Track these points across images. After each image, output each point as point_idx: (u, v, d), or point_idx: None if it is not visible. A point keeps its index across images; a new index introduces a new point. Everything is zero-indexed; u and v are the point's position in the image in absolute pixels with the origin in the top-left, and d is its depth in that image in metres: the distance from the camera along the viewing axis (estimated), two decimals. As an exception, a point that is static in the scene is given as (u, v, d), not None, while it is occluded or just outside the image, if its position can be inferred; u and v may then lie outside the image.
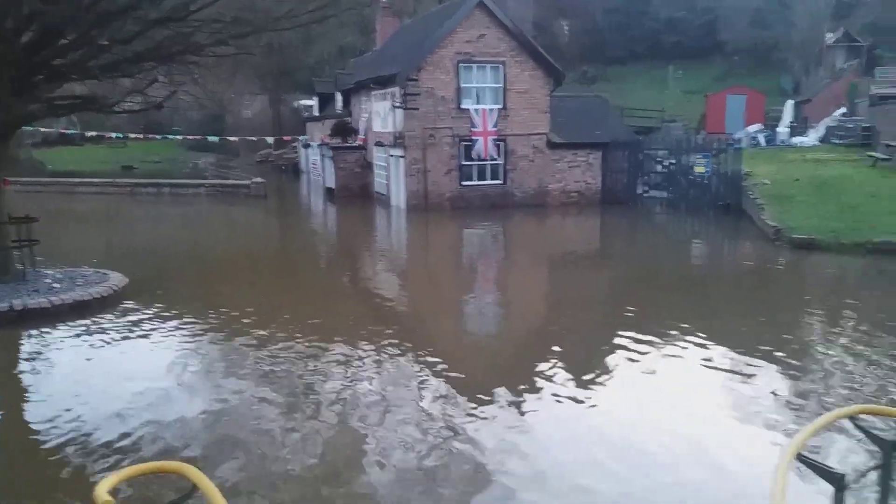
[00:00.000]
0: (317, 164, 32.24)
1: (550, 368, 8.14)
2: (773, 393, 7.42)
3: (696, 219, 20.69)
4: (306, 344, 8.95)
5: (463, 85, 22.42)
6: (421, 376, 7.87)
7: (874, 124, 24.52)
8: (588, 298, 12.23)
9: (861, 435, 4.22)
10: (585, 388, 7.59)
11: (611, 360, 8.58)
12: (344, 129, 28.97)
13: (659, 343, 9.07)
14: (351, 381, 7.71)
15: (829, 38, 38.77)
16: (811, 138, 28.11)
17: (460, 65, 22.26)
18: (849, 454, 5.82)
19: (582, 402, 7.23)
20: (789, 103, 34.29)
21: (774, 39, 41.76)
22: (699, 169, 21.71)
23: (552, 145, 23.56)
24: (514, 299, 12.46)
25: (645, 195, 23.32)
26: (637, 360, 8.49)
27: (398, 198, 23.53)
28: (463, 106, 22.40)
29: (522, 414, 6.90)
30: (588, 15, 48.75)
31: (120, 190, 29.94)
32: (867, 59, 35.85)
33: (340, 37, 39.16)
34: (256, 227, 22.48)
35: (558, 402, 7.20)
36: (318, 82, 41.07)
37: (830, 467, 3.47)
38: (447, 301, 11.99)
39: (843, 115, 28.80)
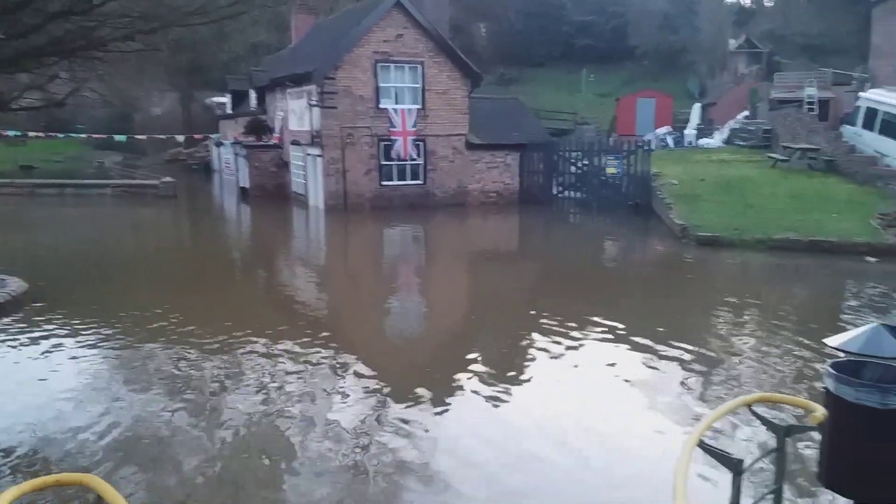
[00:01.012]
0: (230, 163, 31.44)
1: (469, 367, 8.22)
2: (682, 383, 7.73)
3: (609, 218, 21.31)
4: (217, 349, 8.72)
5: (381, 84, 22.34)
6: (339, 379, 7.80)
7: (774, 127, 25.84)
8: (507, 296, 12.42)
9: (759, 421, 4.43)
10: (503, 385, 7.69)
11: (528, 357, 8.74)
12: (259, 127, 28.37)
13: (574, 338, 9.30)
14: (266, 386, 7.55)
15: (733, 44, 40.54)
16: (716, 140, 29.33)
17: (378, 64, 22.17)
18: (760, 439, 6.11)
19: (500, 400, 7.33)
20: (696, 106, 35.71)
21: (681, 44, 43.34)
22: (611, 170, 22.39)
23: (471, 146, 23.79)
24: (434, 299, 12.51)
25: (560, 195, 23.85)
26: (554, 356, 8.69)
27: (316, 198, 23.23)
28: (382, 105, 22.32)
29: (442, 413, 6.93)
30: (504, 18, 49.37)
31: (19, 191, 28.30)
32: (767, 64, 37.72)
33: (254, 34, 38.27)
34: (165, 228, 21.74)
35: (477, 400, 7.27)
36: (231, 79, 40.00)
37: (729, 453, 3.63)
38: (367, 302, 11.93)
39: (746, 118, 30.18)
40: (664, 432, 6.50)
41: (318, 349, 8.75)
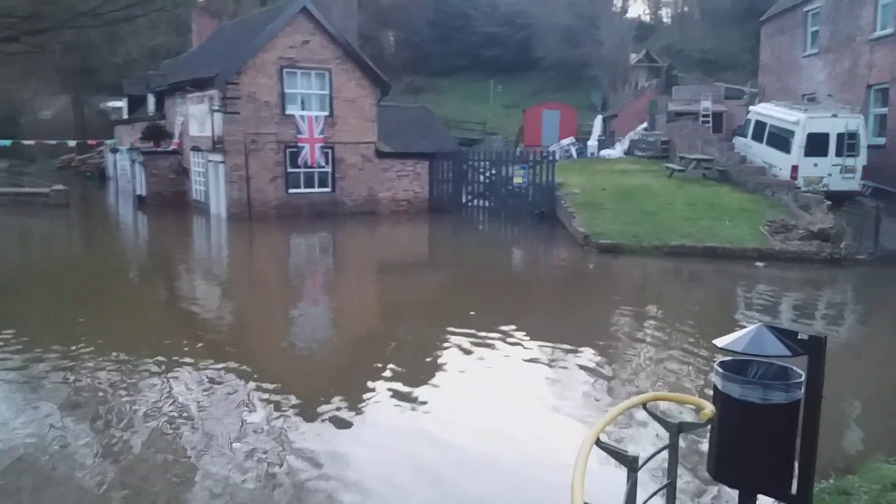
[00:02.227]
0: (126, 170, 30.15)
1: (378, 377, 8.13)
2: (587, 385, 7.93)
3: (516, 226, 21.69)
4: (114, 366, 8.28)
5: (287, 90, 21.98)
6: (245, 393, 7.54)
7: (671, 138, 27.02)
8: (416, 305, 12.38)
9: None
10: (413, 395, 7.64)
11: (438, 364, 8.73)
12: (157, 133, 27.33)
13: (482, 344, 9.36)
14: (167, 403, 7.21)
15: (633, 58, 42.28)
16: (617, 151, 30.42)
17: (284, 70, 21.81)
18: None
19: (410, 409, 7.27)
20: (598, 118, 36.97)
21: (585, 57, 44.79)
22: (517, 179, 22.83)
23: (381, 154, 23.72)
24: (342, 310, 12.33)
25: (469, 204, 24.10)
26: (463, 364, 8.72)
27: (218, 206, 22.57)
28: (288, 112, 21.96)
29: (351, 425, 6.81)
30: (412, 27, 49.62)
31: None
32: (665, 78, 39.49)
33: (152, 37, 36.91)
34: (56, 239, 20.56)
35: (386, 411, 7.19)
36: (127, 83, 38.35)
37: (625, 451, 3.72)
38: (272, 314, 11.62)
39: (645, 129, 31.48)
40: (572, 434, 6.61)
41: (220, 364, 8.44)
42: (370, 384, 7.86)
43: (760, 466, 4.33)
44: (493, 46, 48.91)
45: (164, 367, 8.22)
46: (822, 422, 4.46)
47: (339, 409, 7.08)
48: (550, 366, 8.60)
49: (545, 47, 46.26)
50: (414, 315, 11.57)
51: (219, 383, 7.75)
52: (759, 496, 4.57)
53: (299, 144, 22.02)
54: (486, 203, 23.80)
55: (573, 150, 31.66)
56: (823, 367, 4.25)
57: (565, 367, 8.55)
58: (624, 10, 53.41)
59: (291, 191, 22.45)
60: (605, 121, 36.91)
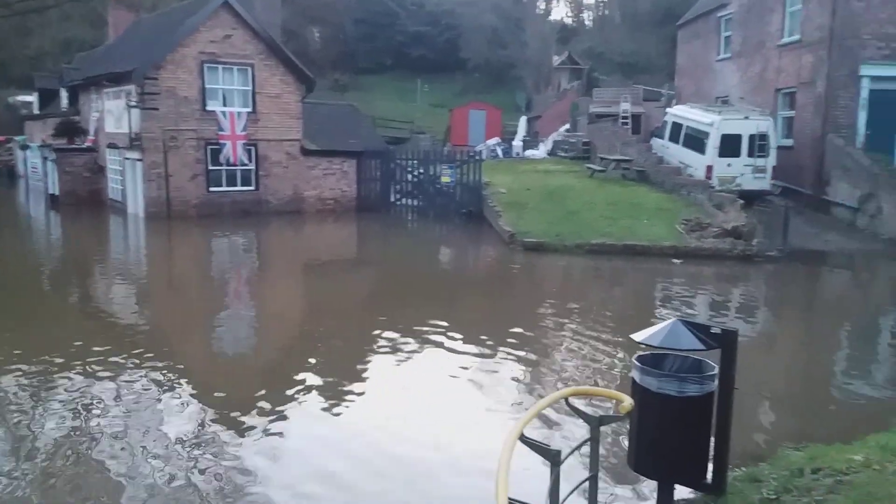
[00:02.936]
0: (37, 167, 28.77)
1: (305, 379, 8.04)
2: (513, 380, 8.06)
3: (444, 225, 21.79)
4: (24, 374, 7.90)
5: (208, 86, 21.44)
6: (168, 400, 7.30)
7: (592, 139, 27.66)
8: (345, 305, 12.27)
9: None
10: (342, 396, 7.58)
11: (365, 366, 8.69)
12: (71, 129, 26.18)
13: (411, 343, 9.38)
14: (87, 413, 6.92)
15: (556, 60, 43.05)
16: (541, 151, 30.91)
17: (205, 65, 21.26)
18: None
19: (339, 411, 7.21)
20: (523, 119, 37.50)
21: (510, 59, 45.36)
22: (445, 178, 22.93)
23: (306, 152, 23.41)
24: (267, 311, 12.11)
25: (397, 203, 24.06)
26: (392, 362, 8.72)
27: (136, 205, 21.81)
28: (209, 108, 21.41)
29: (275, 429, 6.70)
30: (338, 24, 49.14)
31: None
32: (587, 80, 40.38)
33: (65, 28, 35.36)
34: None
35: (314, 414, 7.10)
36: (38, 77, 36.55)
37: (547, 445, 3.80)
38: (193, 317, 11.30)
39: (567, 130, 32.11)
40: (499, 430, 6.69)
41: (140, 370, 8.17)
42: (295, 387, 7.76)
43: (677, 457, 4.50)
44: (419, 46, 48.94)
45: (77, 374, 7.89)
46: (736, 412, 4.67)
47: (263, 413, 6.95)
48: (478, 363, 8.68)
49: (471, 48, 46.60)
50: (341, 316, 11.47)
51: (135, 390, 7.50)
52: (677, 486, 4.76)
53: (221, 141, 21.50)
54: (415, 202, 23.81)
55: (499, 150, 31.99)
56: (735, 359, 4.46)
57: (492, 364, 8.65)
58: (547, 12, 54.39)
59: (213, 189, 21.90)
60: (529, 121, 37.46)
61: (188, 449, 6.08)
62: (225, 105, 21.72)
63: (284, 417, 6.92)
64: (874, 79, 19.20)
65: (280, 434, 6.54)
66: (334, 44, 48.89)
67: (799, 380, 8.84)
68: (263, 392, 7.57)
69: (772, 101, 22.36)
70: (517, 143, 33.16)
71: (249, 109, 22.06)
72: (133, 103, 20.90)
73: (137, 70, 20.51)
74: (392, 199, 24.09)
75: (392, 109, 40.94)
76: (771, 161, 19.87)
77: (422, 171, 23.63)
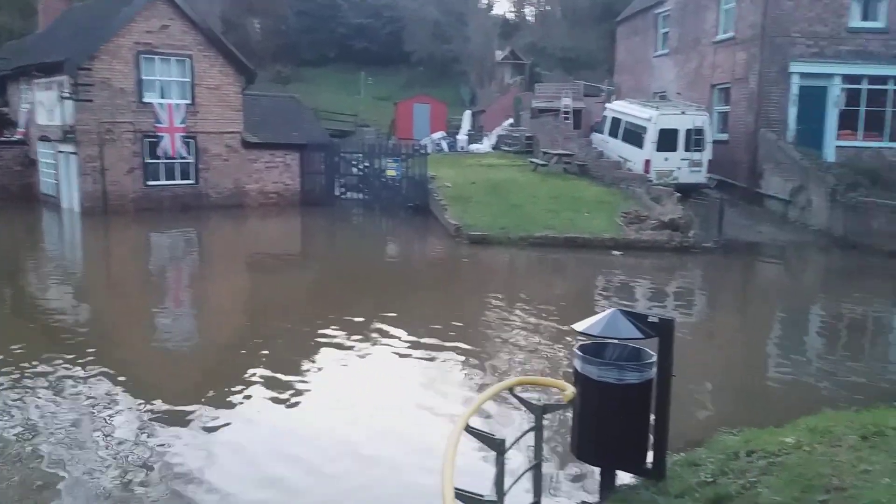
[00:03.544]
0: (-35, 160, 27.47)
1: (252, 378, 7.92)
2: (461, 371, 8.14)
3: (390, 219, 21.75)
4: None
5: (145, 77, 20.87)
6: (109, 400, 7.11)
7: (535, 134, 27.97)
8: (290, 301, 12.16)
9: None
10: (289, 393, 7.51)
11: (310, 362, 8.65)
12: None
13: (359, 337, 9.36)
14: (18, 416, 6.70)
15: (499, 54, 43.28)
16: (485, 146, 31.10)
17: (141, 56, 20.68)
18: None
19: (286, 409, 7.15)
20: (467, 113, 37.62)
21: (453, 53, 45.39)
22: (391, 172, 22.87)
23: (248, 145, 23.01)
24: (209, 308, 11.90)
25: (342, 196, 23.88)
26: (339, 359, 8.68)
27: (70, 200, 21.09)
28: (146, 100, 20.85)
29: (218, 429, 6.61)
30: (279, 15, 48.34)
31: None
32: (530, 75, 40.75)
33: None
34: None
35: (260, 412, 7.03)
36: (-37, 66, 34.98)
37: (492, 435, 3.88)
38: (132, 316, 11.01)
39: (511, 125, 32.37)
40: (446, 422, 6.75)
41: (76, 369, 7.94)
42: (239, 385, 7.67)
43: (618, 443, 4.64)
44: (362, 38, 48.50)
45: (15, 376, 7.62)
46: (675, 399, 4.82)
47: (205, 412, 6.85)
48: (425, 356, 8.74)
49: (415, 41, 46.44)
50: (286, 311, 11.36)
51: (71, 390, 7.30)
52: (619, 472, 4.90)
53: (159, 134, 20.96)
54: (360, 196, 23.66)
55: (444, 144, 32.05)
56: (672, 347, 4.60)
57: (439, 356, 8.71)
58: (490, 7, 54.58)
59: (151, 183, 21.35)
60: (473, 116, 37.63)
61: (127, 449, 5.96)
62: (163, 97, 21.18)
63: (228, 416, 6.83)
64: (803, 75, 19.93)
65: (223, 432, 6.47)
66: (276, 35, 48.06)
67: (735, 366, 9.16)
68: (205, 391, 7.48)
69: (707, 97, 22.99)
70: (462, 137, 33.27)
71: (188, 101, 21.56)
72: (66, 94, 20.20)
73: (70, 60, 19.81)
74: (337, 192, 23.89)
75: (336, 102, 40.51)
76: (706, 155, 20.45)
77: (367, 164, 23.51)
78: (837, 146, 19.91)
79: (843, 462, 4.45)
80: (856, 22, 19.85)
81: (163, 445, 6.05)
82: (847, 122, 20.09)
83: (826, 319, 11.93)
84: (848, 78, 19.89)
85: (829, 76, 19.86)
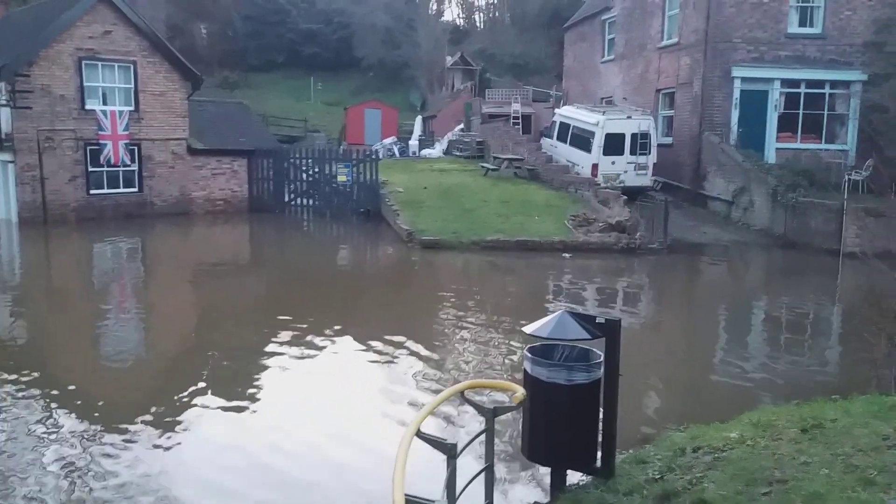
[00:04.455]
0: None
1: (200, 389, 7.77)
2: (414, 376, 8.12)
3: (341, 225, 21.61)
4: None
5: (87, 84, 20.36)
6: (52, 415, 6.88)
7: (486, 139, 28.16)
8: (239, 309, 11.96)
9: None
10: (238, 403, 7.38)
11: (266, 370, 8.51)
12: (-68, 129, 24.15)
13: (311, 346, 9.26)
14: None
15: (449, 60, 43.46)
16: (437, 151, 31.21)
17: (83, 62, 20.17)
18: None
19: (237, 419, 7.02)
20: (418, 119, 37.73)
21: (403, 59, 45.43)
22: (341, 178, 22.74)
23: (194, 151, 22.62)
24: (156, 319, 11.60)
25: (292, 203, 23.64)
26: (292, 366, 8.57)
27: (8, 210, 20.39)
28: (88, 107, 20.32)
29: (169, 443, 6.46)
30: (226, 20, 47.68)
31: None
32: (479, 81, 41.02)
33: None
34: None
35: (211, 423, 6.89)
36: None
37: (443, 439, 3.88)
38: (75, 328, 10.67)
39: (462, 130, 32.54)
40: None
41: (16, 386, 7.67)
42: (188, 399, 7.50)
43: (567, 443, 4.69)
44: (312, 44, 48.14)
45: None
46: (623, 398, 4.90)
47: (151, 427, 6.68)
48: (378, 362, 8.70)
49: (365, 47, 46.32)
50: (235, 320, 11.17)
51: (11, 407, 7.05)
52: (569, 471, 4.95)
53: (101, 141, 20.44)
54: (311, 202, 23.46)
55: (395, 150, 32.06)
56: (619, 347, 4.68)
57: (392, 362, 8.69)
58: (439, 13, 54.80)
59: (94, 191, 20.81)
60: (424, 121, 37.72)
61: (70, 468, 5.78)
62: (105, 104, 20.68)
63: (175, 429, 6.68)
64: (745, 80, 20.51)
65: (171, 446, 6.32)
66: (222, 40, 47.37)
67: (681, 364, 9.35)
68: (151, 404, 7.29)
69: (652, 101, 23.49)
70: (413, 142, 33.33)
71: (132, 108, 21.11)
72: (3, 102, 19.55)
73: (7, 66, 19.19)
74: (286, 198, 23.65)
75: (285, 108, 40.15)
76: (652, 158, 20.87)
77: (317, 170, 23.33)
78: (777, 148, 20.54)
79: (785, 455, 4.58)
80: (794, 28, 20.53)
81: (101, 463, 5.88)
82: (786, 125, 20.75)
83: (768, 316, 12.28)
84: (787, 82, 20.56)
85: (769, 80, 20.49)
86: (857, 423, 4.97)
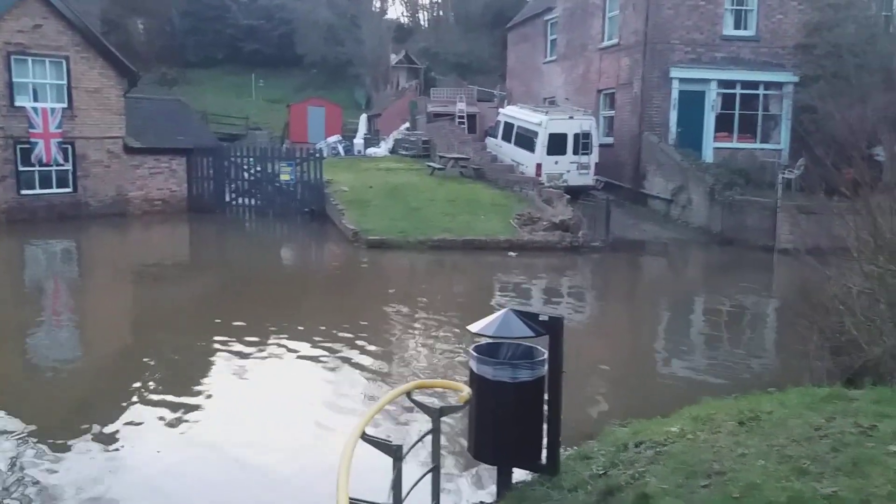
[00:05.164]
0: None
1: (138, 397, 7.53)
2: (362, 379, 8.06)
3: (285, 224, 21.31)
4: None
5: (16, 80, 19.57)
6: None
7: (432, 138, 28.15)
8: (179, 313, 11.63)
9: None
10: (180, 411, 7.16)
11: (207, 376, 8.31)
12: None
13: (253, 349, 9.08)
14: None
15: (394, 58, 43.30)
16: (382, 149, 31.05)
17: (12, 57, 19.39)
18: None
19: (178, 426, 6.82)
20: (363, 117, 37.46)
21: (347, 56, 45.02)
22: (285, 176, 22.42)
23: (130, 150, 21.96)
24: (90, 324, 11.22)
25: (234, 202, 23.19)
26: (234, 371, 8.39)
27: (-67, 211, 19.49)
28: (18, 104, 19.53)
29: (110, 450, 6.23)
30: (164, 15, 46.47)
31: None
32: (424, 79, 40.98)
33: None
34: None
35: (151, 431, 6.67)
36: None
37: (388, 441, 3.85)
38: (6, 335, 10.24)
39: (408, 129, 32.45)
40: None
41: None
42: (124, 406, 7.26)
43: (513, 441, 4.71)
44: (253, 40, 47.28)
45: None
46: (568, 394, 4.95)
47: (88, 437, 6.44)
48: (324, 364, 8.59)
49: (307, 44, 45.71)
50: (174, 324, 10.87)
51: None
52: (515, 469, 4.97)
53: (32, 140, 19.66)
54: (253, 201, 23.05)
55: (340, 148, 31.76)
56: (562, 344, 4.72)
57: (339, 364, 8.59)
58: (383, 10, 54.54)
59: (24, 192, 20.01)
60: (370, 119, 37.49)
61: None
62: (36, 101, 19.91)
63: (114, 440, 6.46)
64: (683, 80, 21.01)
65: (108, 456, 6.12)
66: (160, 36, 46.15)
67: (624, 359, 9.52)
68: (88, 414, 7.05)
69: (594, 102, 23.85)
70: (358, 140, 33.08)
71: (64, 105, 20.37)
72: (-77, 97, 18.66)
73: (-73, 60, 18.33)
74: (227, 198, 23.17)
75: (226, 105, 39.35)
76: (594, 158, 21.21)
77: (259, 168, 22.94)
78: (715, 148, 21.09)
79: (723, 447, 4.69)
80: (729, 30, 21.12)
81: (32, 477, 5.64)
82: (723, 124, 21.33)
83: (707, 312, 12.61)
84: (723, 83, 21.13)
85: (706, 81, 21.03)
86: (791, 414, 5.13)
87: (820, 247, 8.19)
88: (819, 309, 7.00)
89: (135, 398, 7.44)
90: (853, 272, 6.84)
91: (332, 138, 33.23)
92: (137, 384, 7.87)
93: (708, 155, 21.01)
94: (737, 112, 21.33)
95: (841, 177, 7.75)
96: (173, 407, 7.18)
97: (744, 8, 21.09)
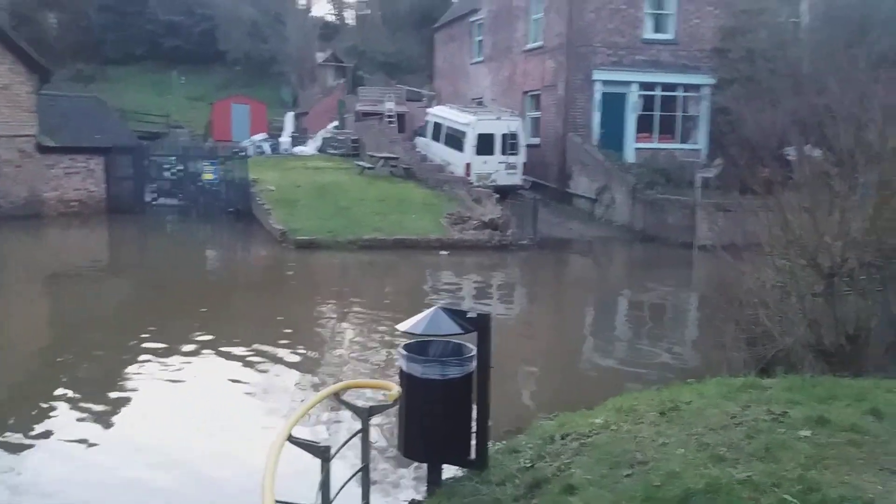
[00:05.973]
0: None
1: (56, 405, 7.21)
2: (293, 381, 7.94)
3: (209, 225, 20.78)
4: None
5: (-86, 74, 18.45)
6: None
7: (361, 137, 27.97)
8: (98, 319, 11.17)
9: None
10: (100, 423, 6.88)
11: (129, 382, 8.02)
12: None
13: (178, 355, 8.81)
14: None
15: (320, 56, 42.78)
16: (310, 148, 30.65)
17: None
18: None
19: (97, 436, 6.56)
20: (289, 115, 36.86)
21: (271, 53, 44.18)
22: (208, 176, 21.88)
23: (44, 149, 21.00)
24: (2, 329, 10.68)
25: (155, 203, 22.47)
26: (158, 377, 8.10)
27: None
28: (-84, 99, 18.43)
29: (20, 459, 5.96)
30: (79, 9, 44.58)
31: None
32: (352, 78, 40.66)
33: None
34: None
35: (68, 440, 6.40)
36: None
37: (316, 443, 3.82)
38: None
39: (336, 128, 32.13)
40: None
41: None
42: (41, 415, 6.96)
43: (442, 438, 4.73)
44: (173, 36, 45.86)
45: None
46: (499, 390, 5.01)
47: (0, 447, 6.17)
48: (252, 368, 8.42)
49: (230, 40, 44.61)
50: (92, 330, 10.44)
51: None
52: (445, 466, 5.00)
53: (-65, 138, 18.60)
54: (175, 201, 22.39)
55: (266, 147, 31.16)
56: (490, 340, 4.77)
57: (268, 368, 8.45)
58: (308, 7, 53.79)
59: (-73, 193, 18.90)
60: (296, 117, 36.94)
61: None
62: (-62, 96, 18.84)
63: (28, 450, 6.17)
64: (605, 83, 21.54)
65: (25, 467, 5.85)
66: (76, 31, 44.22)
67: (551, 354, 9.71)
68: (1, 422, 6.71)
69: (520, 103, 24.18)
70: (286, 139, 32.55)
71: (-30, 102, 19.34)
72: None
73: None
74: (148, 198, 22.43)
75: (146, 102, 38.10)
76: (521, 158, 21.52)
77: (181, 167, 22.30)
78: (636, 148, 21.72)
79: (645, 437, 4.84)
80: (649, 34, 21.78)
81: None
82: (644, 125, 21.98)
83: (630, 306, 12.98)
84: (644, 85, 21.77)
85: (628, 83, 21.62)
86: (709, 403, 5.33)
87: (735, 243, 8.53)
88: (735, 302, 7.30)
89: (51, 407, 7.13)
90: (766, 267, 7.15)
91: (258, 136, 32.59)
92: (50, 396, 7.50)
93: (630, 155, 21.61)
94: (657, 113, 22.02)
95: (755, 176, 8.08)
96: (91, 416, 6.92)
97: (663, 12, 21.78)
